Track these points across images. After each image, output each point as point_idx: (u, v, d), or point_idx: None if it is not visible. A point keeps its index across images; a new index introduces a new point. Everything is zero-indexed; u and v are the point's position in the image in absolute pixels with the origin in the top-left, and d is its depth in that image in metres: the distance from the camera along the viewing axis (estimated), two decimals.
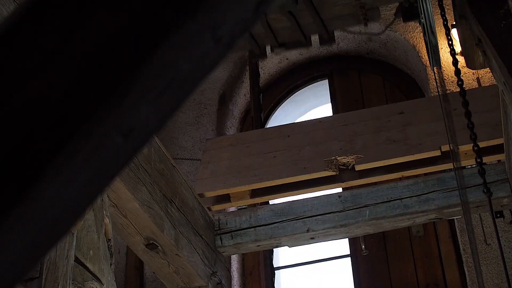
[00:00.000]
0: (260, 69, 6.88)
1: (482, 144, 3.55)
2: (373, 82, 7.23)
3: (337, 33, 5.63)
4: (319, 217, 4.24)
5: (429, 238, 6.16)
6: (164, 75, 0.72)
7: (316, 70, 7.36)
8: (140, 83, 0.70)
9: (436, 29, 3.74)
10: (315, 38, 4.16)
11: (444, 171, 4.33)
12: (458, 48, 4.42)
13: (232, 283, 6.06)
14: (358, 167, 4.35)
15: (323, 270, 6.67)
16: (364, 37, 7.09)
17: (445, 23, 3.37)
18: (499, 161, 4.26)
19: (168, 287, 4.07)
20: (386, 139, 4.46)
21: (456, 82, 3.23)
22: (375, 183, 4.46)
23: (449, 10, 4.81)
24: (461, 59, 4.27)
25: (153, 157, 3.57)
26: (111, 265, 3.03)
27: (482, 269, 5.08)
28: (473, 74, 6.06)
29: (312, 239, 4.31)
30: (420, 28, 4.05)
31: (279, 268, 6.51)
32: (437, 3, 3.57)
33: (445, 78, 5.97)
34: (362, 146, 4.45)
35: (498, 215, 4.22)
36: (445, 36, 3.42)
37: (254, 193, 4.51)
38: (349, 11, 3.94)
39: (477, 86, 6.01)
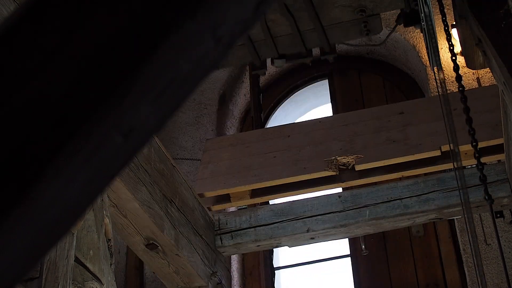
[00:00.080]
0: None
1: (482, 144, 3.55)
2: (373, 82, 7.23)
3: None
4: (319, 217, 4.24)
5: (429, 238, 6.17)
6: (164, 75, 0.72)
7: (316, 70, 7.36)
8: (140, 83, 0.70)
9: (436, 29, 3.74)
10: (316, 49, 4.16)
11: (444, 171, 4.33)
12: (458, 48, 4.43)
13: (232, 283, 6.06)
14: (358, 167, 4.35)
15: (323, 270, 6.67)
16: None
17: (445, 23, 3.37)
18: (499, 161, 4.26)
19: (168, 287, 4.07)
20: (386, 139, 4.46)
21: (455, 78, 3.23)
22: (375, 183, 4.46)
23: (449, 10, 4.81)
24: (461, 59, 4.27)
25: (153, 157, 3.57)
26: (111, 265, 3.03)
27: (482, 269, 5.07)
28: (473, 74, 6.07)
29: (312, 239, 4.31)
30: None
31: (279, 268, 6.51)
32: (437, 3, 3.57)
33: (445, 78, 5.97)
34: (362, 146, 4.45)
35: (498, 215, 4.22)
36: (445, 36, 3.42)
37: (254, 193, 4.51)
38: (350, 16, 3.93)
39: (477, 86, 6.01)
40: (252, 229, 4.31)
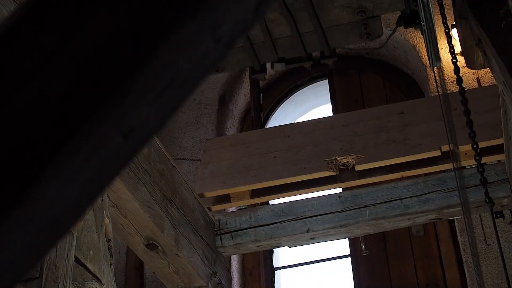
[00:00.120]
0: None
1: (482, 144, 3.55)
2: (373, 82, 7.23)
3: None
4: (319, 217, 4.24)
5: (429, 238, 6.17)
6: (164, 75, 0.72)
7: (316, 70, 7.35)
8: (140, 83, 0.70)
9: (436, 29, 3.74)
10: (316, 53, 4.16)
11: (444, 171, 4.33)
12: (458, 48, 4.43)
13: (232, 283, 6.06)
14: (358, 167, 4.35)
15: (323, 270, 6.67)
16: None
17: (445, 25, 3.37)
18: (499, 161, 4.26)
19: (168, 287, 4.07)
20: (386, 139, 4.46)
21: (455, 81, 3.23)
22: (375, 183, 4.46)
23: (449, 10, 4.81)
24: (461, 59, 4.27)
25: (153, 157, 3.57)
26: (111, 265, 3.03)
27: (482, 269, 5.08)
28: (473, 74, 6.07)
29: (312, 239, 4.31)
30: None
31: (279, 268, 6.51)
32: (437, 3, 3.57)
33: (445, 78, 5.97)
34: (362, 146, 4.45)
35: (498, 215, 4.21)
36: (445, 36, 3.42)
37: (254, 193, 4.51)
38: (349, 18, 3.92)
39: (477, 86, 6.01)
40: (252, 229, 4.31)
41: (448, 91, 5.62)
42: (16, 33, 0.70)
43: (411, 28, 4.15)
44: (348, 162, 4.38)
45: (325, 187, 4.46)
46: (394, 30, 5.42)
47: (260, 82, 6.19)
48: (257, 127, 5.85)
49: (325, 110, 7.52)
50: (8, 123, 0.67)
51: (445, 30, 3.37)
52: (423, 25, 3.73)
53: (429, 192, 4.13)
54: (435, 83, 4.40)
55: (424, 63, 6.53)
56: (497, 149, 4.09)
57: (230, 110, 7.45)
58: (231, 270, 6.15)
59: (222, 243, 4.31)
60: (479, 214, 5.32)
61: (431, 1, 3.66)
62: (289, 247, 4.41)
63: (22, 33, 0.70)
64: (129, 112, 0.70)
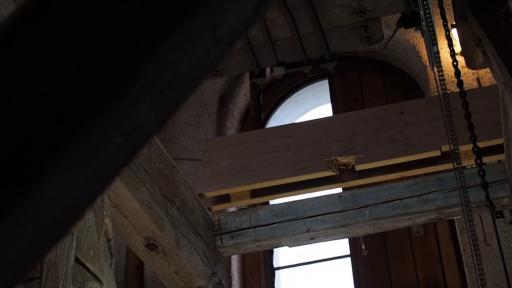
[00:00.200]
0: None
1: (482, 144, 3.55)
2: (373, 82, 7.23)
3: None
4: (319, 217, 4.24)
5: (429, 238, 6.17)
6: (164, 75, 0.72)
7: (316, 70, 7.35)
8: (140, 83, 0.70)
9: (436, 29, 3.74)
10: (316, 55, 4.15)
11: (444, 171, 4.33)
12: (458, 48, 4.43)
13: (232, 283, 6.06)
14: (358, 167, 4.35)
15: (323, 270, 6.67)
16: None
17: (446, 28, 3.37)
18: (499, 161, 4.26)
19: (168, 287, 4.07)
20: (386, 139, 4.46)
21: (456, 84, 3.24)
22: (375, 183, 4.46)
23: (449, 10, 4.81)
24: (461, 59, 4.27)
25: (153, 157, 3.57)
26: (111, 265, 3.03)
27: (483, 268, 5.07)
28: (473, 74, 6.07)
29: (312, 239, 4.31)
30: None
31: (279, 268, 6.51)
32: (437, 3, 3.57)
33: (445, 78, 5.97)
34: (362, 146, 4.45)
35: (498, 215, 4.21)
36: (445, 36, 3.42)
37: (254, 193, 4.51)
38: (349, 19, 3.92)
39: (477, 86, 6.01)
40: (252, 229, 4.31)
41: (448, 91, 5.61)
42: (16, 33, 0.70)
43: (411, 29, 4.14)
44: (348, 162, 4.38)
45: (325, 187, 4.46)
46: (395, 32, 5.42)
47: (260, 86, 6.19)
48: (257, 127, 5.84)
49: (325, 110, 7.52)
50: (8, 123, 0.67)
51: (445, 33, 3.37)
52: (423, 25, 3.73)
53: (429, 192, 4.12)
54: (435, 83, 4.40)
55: (424, 63, 6.53)
56: (497, 149, 4.09)
57: (230, 110, 7.45)
58: (231, 270, 6.15)
59: (222, 243, 4.31)
60: (479, 214, 5.32)
61: (431, 1, 3.66)
62: (289, 247, 4.41)
63: (22, 33, 0.70)
64: (129, 112, 0.70)
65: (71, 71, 0.69)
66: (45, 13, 0.70)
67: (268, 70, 4.39)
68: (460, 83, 3.17)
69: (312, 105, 7.73)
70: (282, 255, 6.73)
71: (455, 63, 3.22)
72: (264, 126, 6.80)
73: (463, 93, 3.12)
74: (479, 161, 3.03)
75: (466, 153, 4.02)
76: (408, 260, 6.11)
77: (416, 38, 6.71)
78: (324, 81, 7.45)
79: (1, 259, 0.66)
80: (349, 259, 6.36)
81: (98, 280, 2.84)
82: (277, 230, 4.27)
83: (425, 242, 6.16)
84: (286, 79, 7.53)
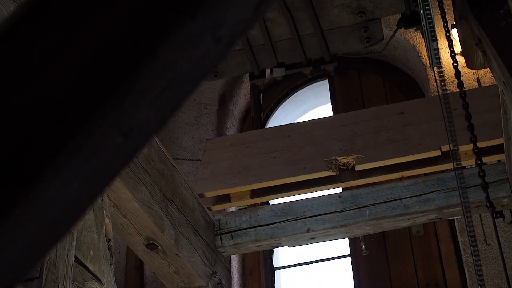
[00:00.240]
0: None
1: (482, 144, 3.55)
2: (373, 82, 7.23)
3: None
4: (319, 217, 4.24)
5: (429, 238, 6.17)
6: (164, 75, 0.72)
7: (316, 70, 7.35)
8: (140, 83, 0.70)
9: (436, 29, 3.74)
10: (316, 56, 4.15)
11: (444, 171, 4.33)
12: (458, 48, 4.42)
13: (232, 283, 6.06)
14: (358, 167, 4.35)
15: (323, 270, 6.67)
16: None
17: (445, 26, 3.37)
18: (499, 161, 4.26)
19: (168, 287, 4.07)
20: (386, 139, 4.46)
21: (456, 84, 3.24)
22: (375, 183, 4.46)
23: (449, 10, 4.81)
24: (461, 59, 4.27)
25: (153, 157, 3.57)
26: (111, 265, 3.03)
27: (482, 269, 5.07)
28: (473, 74, 6.07)
29: (312, 239, 4.31)
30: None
31: (279, 268, 6.51)
32: (437, 3, 3.57)
33: (445, 78, 5.97)
34: (362, 146, 4.45)
35: (498, 215, 4.21)
36: (445, 36, 3.42)
37: (254, 193, 4.51)
38: (349, 19, 3.91)
39: (477, 86, 6.01)
40: (252, 229, 4.31)
41: (448, 91, 5.61)
42: (16, 33, 0.70)
43: (411, 28, 4.14)
44: (348, 162, 4.38)
45: (325, 187, 4.46)
46: (395, 32, 5.42)
47: (259, 87, 6.19)
48: (257, 127, 5.85)
49: (325, 110, 7.52)
50: (8, 123, 0.67)
51: (446, 34, 3.37)
52: (423, 25, 3.73)
53: (429, 192, 4.12)
54: (435, 83, 4.40)
55: (424, 63, 6.53)
56: (497, 149, 4.09)
57: (230, 110, 7.45)
58: (231, 270, 6.15)
59: (222, 243, 4.31)
60: (479, 214, 5.32)
61: (431, 1, 3.66)
62: (289, 247, 4.41)
63: (22, 33, 0.70)
64: (129, 112, 0.70)
65: (71, 71, 0.69)
66: (45, 13, 0.70)
67: (268, 71, 4.39)
68: (460, 84, 3.17)
69: (312, 105, 7.73)
70: (282, 255, 6.73)
71: (455, 64, 3.22)
72: (264, 126, 6.80)
73: (463, 94, 3.12)
74: (479, 162, 3.03)
75: (466, 153, 4.02)
76: (408, 260, 6.11)
77: (416, 38, 6.71)
78: (324, 81, 7.45)
79: (1, 259, 0.66)
80: (349, 259, 6.35)
81: (98, 280, 2.84)
82: (277, 230, 4.27)
83: (425, 242, 6.16)
84: (286, 79, 7.52)
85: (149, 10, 0.71)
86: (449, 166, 4.00)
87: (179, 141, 7.10)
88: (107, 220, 3.04)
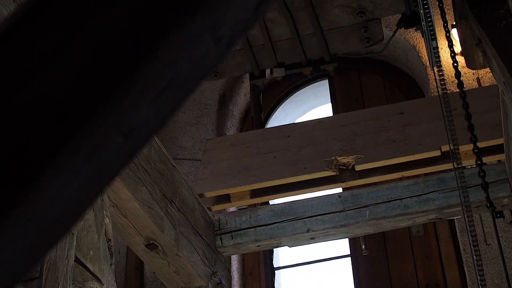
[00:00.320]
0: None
1: (482, 144, 3.55)
2: (373, 82, 7.23)
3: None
4: (319, 217, 4.24)
5: (429, 238, 6.17)
6: (164, 75, 0.72)
7: (316, 70, 7.35)
8: (140, 83, 0.70)
9: (436, 29, 3.74)
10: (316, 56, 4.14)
11: (444, 171, 4.33)
12: (458, 48, 4.42)
13: (232, 283, 6.06)
14: (358, 167, 4.35)
15: (323, 270, 6.67)
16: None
17: (446, 29, 3.37)
18: (499, 161, 4.26)
19: (168, 287, 4.07)
20: (386, 139, 4.46)
21: (456, 85, 3.24)
22: (375, 183, 4.46)
23: (449, 10, 4.81)
24: (461, 59, 4.27)
25: (153, 157, 3.57)
26: (111, 265, 3.03)
27: (483, 269, 5.07)
28: (473, 74, 6.07)
29: (312, 239, 4.31)
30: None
31: (279, 268, 6.51)
32: (437, 3, 3.57)
33: (445, 78, 5.97)
34: (362, 146, 4.45)
35: (498, 215, 4.21)
36: (445, 36, 3.42)
37: (254, 193, 4.51)
38: (349, 19, 3.91)
39: (477, 86, 6.01)
40: (252, 229, 4.31)
41: (448, 91, 5.62)
42: (16, 33, 0.70)
43: (411, 29, 4.15)
44: (348, 162, 4.38)
45: (325, 187, 4.46)
46: (395, 32, 5.42)
47: (259, 87, 6.19)
48: (257, 127, 5.85)
49: (325, 110, 7.52)
50: (8, 123, 0.67)
51: (446, 34, 3.37)
52: (423, 25, 3.73)
53: (429, 192, 4.12)
54: (435, 83, 4.40)
55: (424, 63, 6.53)
56: (497, 149, 4.09)
57: (230, 110, 7.45)
58: (231, 270, 6.15)
59: (222, 243, 4.31)
60: (479, 214, 5.32)
61: (431, 1, 3.66)
62: (289, 247, 4.41)
63: (22, 33, 0.70)
64: (129, 112, 0.70)
65: (71, 71, 0.69)
66: (45, 13, 0.70)
67: (268, 71, 4.39)
68: (460, 84, 3.17)
69: (312, 105, 7.73)
70: (282, 255, 6.73)
71: (455, 64, 3.22)
72: (264, 126, 6.80)
73: (463, 94, 3.12)
74: (479, 162, 3.03)
75: (466, 153, 4.02)
76: (408, 260, 6.11)
77: (416, 38, 6.71)
78: (324, 81, 7.45)
79: (1, 259, 0.66)
80: (349, 259, 6.35)
81: (98, 280, 2.84)
82: (277, 230, 4.27)
83: (425, 242, 6.16)
84: (286, 79, 7.52)
85: (149, 10, 0.71)
86: (449, 166, 4.00)
87: (179, 141, 7.10)
88: (107, 220, 3.04)
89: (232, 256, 6.19)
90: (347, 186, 4.69)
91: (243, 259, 6.61)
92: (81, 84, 0.69)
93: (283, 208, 4.33)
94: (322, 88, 7.49)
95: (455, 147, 2.97)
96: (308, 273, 6.70)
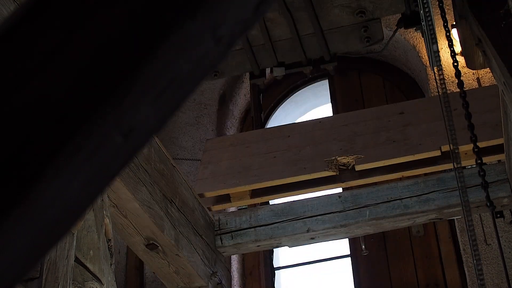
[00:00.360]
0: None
1: (482, 144, 3.55)
2: (373, 82, 7.23)
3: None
4: (319, 217, 4.24)
5: (429, 238, 6.17)
6: (164, 75, 0.72)
7: (316, 70, 7.34)
8: (140, 83, 0.70)
9: (436, 29, 3.74)
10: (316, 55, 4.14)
11: (444, 171, 4.33)
12: (458, 48, 4.42)
13: (232, 283, 6.06)
14: (358, 167, 4.35)
15: (323, 270, 6.67)
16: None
17: (445, 26, 3.37)
18: (499, 161, 4.26)
19: (168, 287, 4.07)
20: (386, 139, 4.46)
21: (456, 84, 3.24)
22: (375, 183, 4.46)
23: (449, 10, 4.81)
24: (461, 59, 4.27)
25: (153, 157, 3.57)
26: (111, 265, 3.03)
27: (483, 269, 5.07)
28: (473, 74, 6.07)
29: (312, 239, 4.31)
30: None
31: (279, 268, 6.51)
32: (437, 3, 3.57)
33: (445, 78, 5.97)
34: (362, 146, 4.45)
35: (498, 215, 4.21)
36: (445, 36, 3.42)
37: (254, 193, 4.51)
38: (349, 19, 3.91)
39: (477, 86, 6.02)
40: (252, 229, 4.31)
41: (448, 91, 5.62)
42: (16, 33, 0.70)
43: (411, 29, 4.15)
44: (348, 162, 4.38)
45: (325, 187, 4.45)
46: (395, 32, 5.42)
47: (259, 86, 6.20)
48: (257, 127, 5.85)
49: (325, 110, 7.52)
50: (8, 123, 0.67)
51: (446, 34, 3.37)
52: (423, 24, 3.73)
53: (429, 192, 4.12)
54: (435, 83, 4.40)
55: (424, 63, 6.53)
56: (497, 149, 4.09)
57: (230, 110, 7.45)
58: (231, 270, 6.15)
59: (222, 243, 4.31)
60: (479, 214, 5.32)
61: (431, 1, 3.66)
62: (289, 247, 4.41)
63: (22, 33, 0.70)
64: (129, 112, 0.70)
65: (71, 71, 0.69)
66: (45, 13, 0.70)
67: (268, 70, 4.39)
68: (460, 84, 3.17)
69: (312, 105, 7.73)
70: (282, 255, 6.73)
71: (455, 64, 3.22)
72: (264, 126, 6.80)
73: (463, 93, 3.11)
74: (479, 161, 3.03)
75: (466, 153, 4.02)
76: (408, 260, 6.11)
77: (416, 38, 6.71)
78: (324, 81, 7.45)
79: (1, 259, 0.66)
80: (349, 259, 6.35)
81: (98, 280, 2.84)
82: (277, 230, 4.27)
83: (425, 242, 6.16)
84: (286, 79, 7.53)
85: (149, 10, 0.71)
86: (449, 166, 4.00)
87: (179, 141, 7.10)
88: (107, 220, 3.04)
89: (232, 256, 6.19)
90: (347, 186, 4.69)
91: (243, 259, 6.61)
92: (81, 84, 0.69)
93: (283, 208, 4.33)
94: (322, 88, 7.49)
95: (455, 147, 2.97)
96: (308, 273, 6.70)
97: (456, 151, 2.94)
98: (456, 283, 5.83)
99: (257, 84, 6.05)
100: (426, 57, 6.12)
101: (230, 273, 4.82)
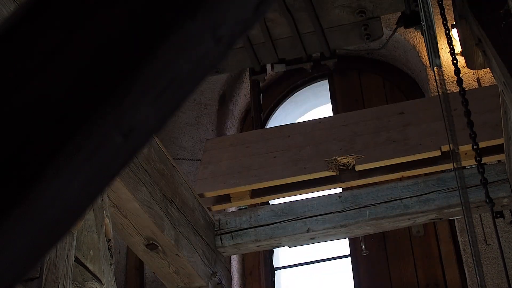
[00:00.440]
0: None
1: (482, 144, 3.55)
2: (373, 82, 7.23)
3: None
4: (319, 217, 4.24)
5: (429, 238, 6.17)
6: (164, 75, 0.72)
7: (316, 70, 7.36)
8: (140, 83, 0.70)
9: (436, 29, 3.74)
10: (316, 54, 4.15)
11: (444, 171, 4.33)
12: (458, 48, 4.42)
13: (232, 283, 6.06)
14: (358, 167, 4.35)
15: (323, 270, 6.67)
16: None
17: (445, 23, 3.37)
18: (499, 161, 4.26)
19: (168, 287, 4.07)
20: (386, 139, 4.46)
21: (456, 82, 3.24)
22: (375, 183, 4.46)
23: (449, 10, 4.81)
24: (461, 59, 4.27)
25: (153, 157, 3.57)
26: (111, 265, 3.03)
27: (483, 269, 5.08)
28: (473, 74, 6.07)
29: (312, 239, 4.31)
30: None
31: (279, 268, 6.51)
32: (437, 3, 3.57)
33: (445, 78, 5.97)
34: (362, 146, 4.45)
35: (498, 215, 4.21)
36: (445, 36, 3.42)
37: (254, 193, 4.51)
38: (349, 18, 3.92)
39: (477, 86, 6.01)
40: (252, 229, 4.31)
41: (448, 91, 5.62)
42: (16, 33, 0.70)
43: (411, 29, 4.15)
44: (348, 162, 4.38)
45: (325, 187, 4.45)
46: (394, 31, 5.42)
47: (260, 82, 6.20)
48: (257, 127, 5.85)
49: (325, 110, 7.52)
50: (8, 123, 0.67)
51: (445, 32, 3.37)
52: (423, 25, 3.73)
53: (429, 192, 4.12)
54: (435, 83, 4.40)
55: (424, 63, 6.53)
56: (497, 149, 4.09)
57: (230, 110, 7.45)
58: (231, 270, 6.15)
59: (222, 243, 4.31)
60: (479, 214, 5.32)
61: (431, 1, 3.66)
62: (289, 247, 4.41)
63: (22, 33, 0.69)
64: (129, 112, 0.70)
65: (71, 71, 0.69)
66: (45, 13, 0.70)
67: (268, 66, 4.39)
68: (459, 81, 3.17)
69: (312, 105, 7.73)
70: (282, 255, 6.73)
71: (454, 61, 3.22)
72: (264, 126, 6.80)
73: (462, 91, 3.11)
74: (478, 158, 3.03)
75: (466, 153, 4.02)
76: (408, 260, 6.11)
77: (416, 38, 6.71)
78: (324, 81, 7.45)
79: (1, 259, 0.66)
80: (349, 259, 6.35)
81: (98, 280, 2.84)
82: (277, 230, 4.27)
83: (425, 242, 6.16)
84: (286, 79, 7.53)
85: (149, 10, 0.71)
86: (449, 166, 4.00)
87: (179, 141, 7.10)
88: (107, 220, 3.04)
89: (232, 256, 6.19)
90: (347, 186, 4.69)
91: (243, 259, 6.61)
92: (81, 84, 0.69)
93: (283, 208, 4.33)
94: (322, 88, 7.49)
95: (455, 147, 2.97)
96: (308, 273, 6.70)
97: (456, 151, 2.94)
98: (456, 283, 5.83)
99: (257, 81, 6.06)
100: (426, 57, 6.13)
101: (230, 273, 4.82)
